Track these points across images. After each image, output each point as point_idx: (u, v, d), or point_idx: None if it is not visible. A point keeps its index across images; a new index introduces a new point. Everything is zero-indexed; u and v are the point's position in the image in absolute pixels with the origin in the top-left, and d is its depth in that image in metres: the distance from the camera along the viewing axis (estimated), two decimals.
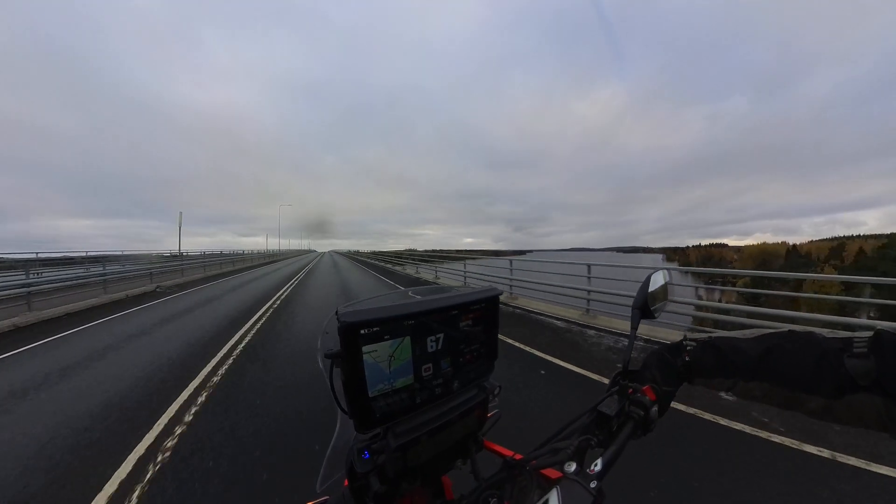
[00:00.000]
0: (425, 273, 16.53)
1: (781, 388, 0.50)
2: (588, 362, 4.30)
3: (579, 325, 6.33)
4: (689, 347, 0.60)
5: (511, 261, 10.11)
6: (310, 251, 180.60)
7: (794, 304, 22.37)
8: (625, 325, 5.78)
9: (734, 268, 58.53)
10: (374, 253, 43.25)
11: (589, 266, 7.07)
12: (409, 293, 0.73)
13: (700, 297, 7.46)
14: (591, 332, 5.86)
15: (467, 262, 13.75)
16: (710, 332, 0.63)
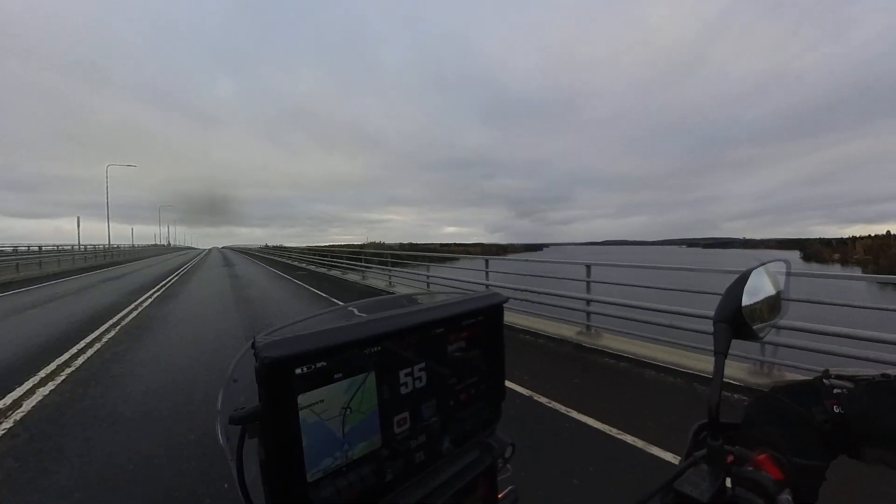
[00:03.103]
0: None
1: None
2: None
3: None
4: (837, 392, 0.35)
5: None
6: (171, 248, 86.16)
7: None
8: None
9: None
10: (309, 249, 23.61)
11: None
12: (356, 311, 0.49)
13: None
14: None
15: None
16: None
